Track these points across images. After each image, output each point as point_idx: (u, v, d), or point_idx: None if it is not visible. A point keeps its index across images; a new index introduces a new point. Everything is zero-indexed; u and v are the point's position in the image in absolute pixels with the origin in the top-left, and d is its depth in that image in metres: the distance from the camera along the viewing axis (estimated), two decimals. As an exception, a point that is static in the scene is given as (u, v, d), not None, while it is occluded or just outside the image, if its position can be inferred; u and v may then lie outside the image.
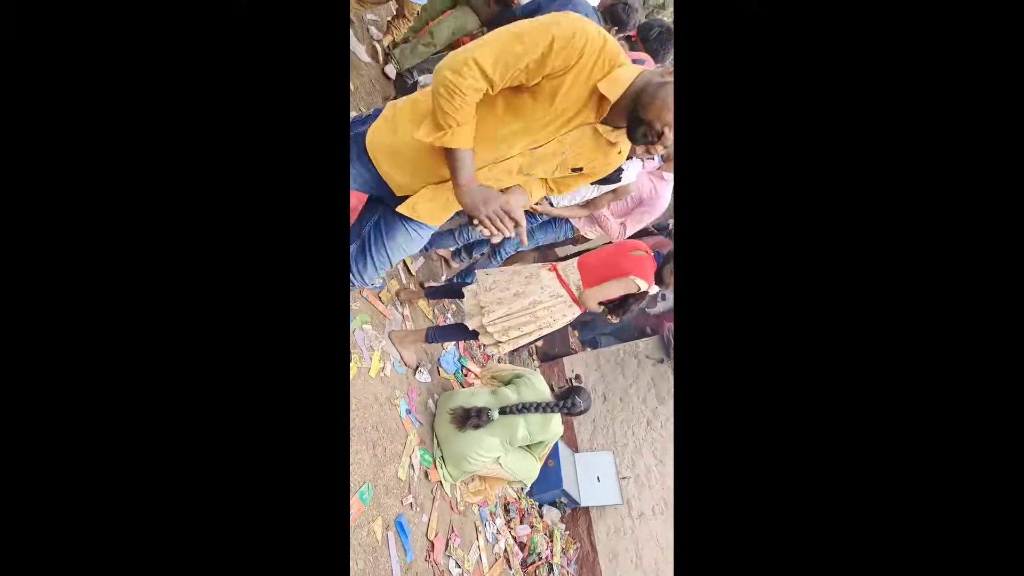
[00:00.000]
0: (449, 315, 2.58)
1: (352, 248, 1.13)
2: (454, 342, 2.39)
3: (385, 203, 1.11)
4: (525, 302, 1.70)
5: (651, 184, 2.03)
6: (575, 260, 1.79)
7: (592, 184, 1.75)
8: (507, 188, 1.06)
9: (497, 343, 1.75)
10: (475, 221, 0.93)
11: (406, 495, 1.73)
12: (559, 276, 1.74)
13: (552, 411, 2.03)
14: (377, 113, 1.01)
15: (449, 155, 0.90)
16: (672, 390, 3.25)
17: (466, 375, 2.50)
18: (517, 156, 0.97)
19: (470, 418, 1.93)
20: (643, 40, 1.82)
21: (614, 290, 1.65)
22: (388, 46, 2.35)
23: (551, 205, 1.95)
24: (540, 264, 1.86)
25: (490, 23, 2.47)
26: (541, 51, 0.82)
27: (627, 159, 1.69)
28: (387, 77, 2.46)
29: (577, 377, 3.27)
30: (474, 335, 1.84)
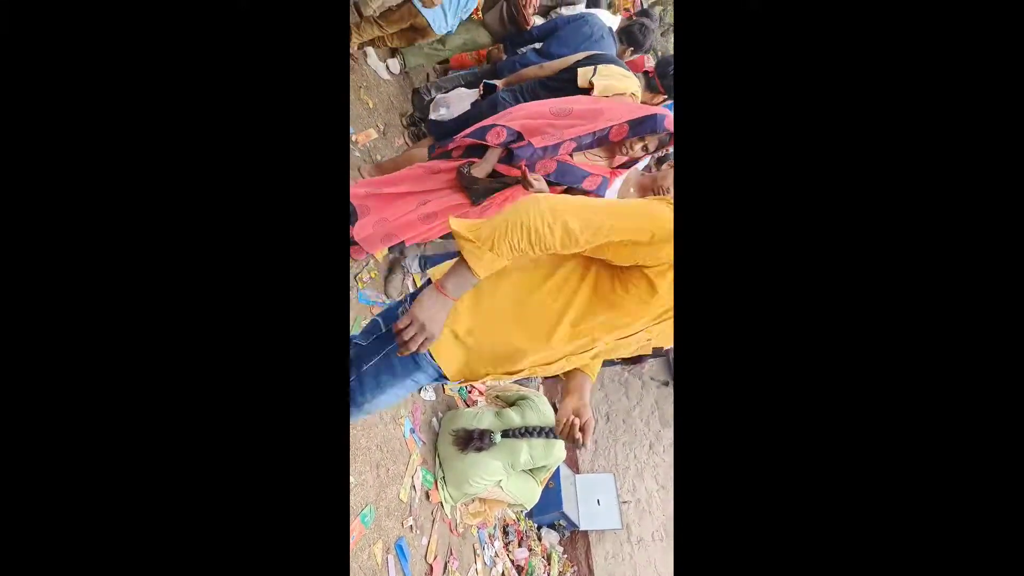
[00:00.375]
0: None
1: (353, 378, 0.93)
2: None
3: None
4: None
5: None
6: None
7: None
8: (570, 372, 0.95)
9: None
10: (403, 318, 0.79)
11: (407, 517, 1.72)
12: None
13: (556, 437, 2.02)
14: (411, 296, 0.88)
15: (460, 264, 0.79)
16: (676, 415, 3.23)
17: (470, 392, 2.50)
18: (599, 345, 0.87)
19: (472, 440, 1.93)
20: (660, 76, 1.84)
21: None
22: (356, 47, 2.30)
23: None
24: None
25: (502, 40, 2.49)
26: (636, 239, 0.75)
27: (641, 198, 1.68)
28: (390, 73, 2.46)
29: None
30: None
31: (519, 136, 1.35)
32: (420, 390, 2.10)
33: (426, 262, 2.11)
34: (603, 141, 1.36)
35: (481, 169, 1.36)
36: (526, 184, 1.35)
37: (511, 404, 2.23)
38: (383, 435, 1.74)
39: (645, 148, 1.36)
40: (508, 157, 1.37)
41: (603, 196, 1.47)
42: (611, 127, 1.33)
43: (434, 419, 2.12)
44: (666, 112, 1.33)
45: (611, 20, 2.50)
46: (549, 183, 1.40)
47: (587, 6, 2.47)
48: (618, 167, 1.43)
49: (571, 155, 1.38)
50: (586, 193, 1.45)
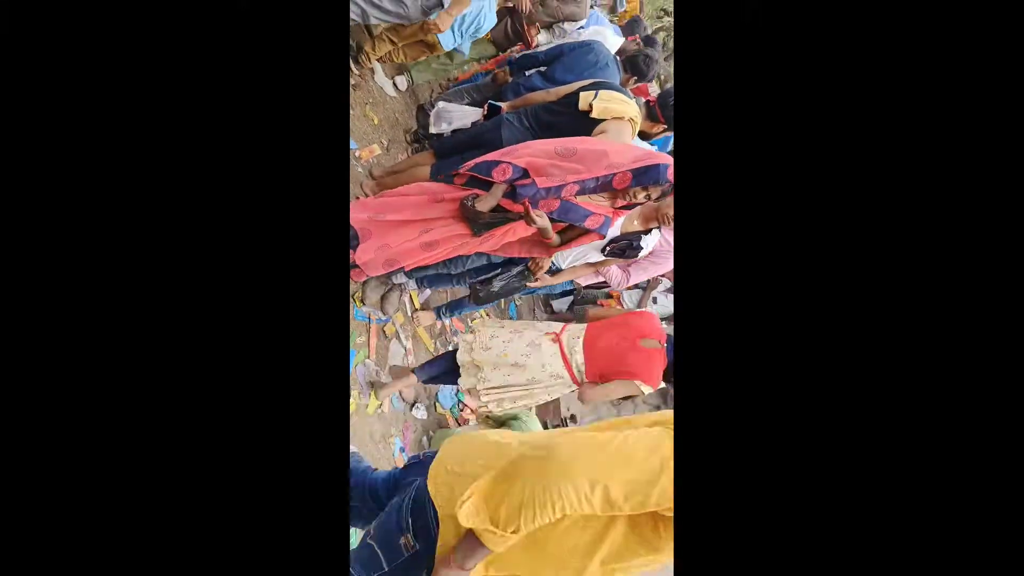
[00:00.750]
0: (451, 348, 2.57)
1: (358, 553, 0.81)
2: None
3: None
4: (523, 378, 1.57)
5: (662, 237, 2.01)
6: (581, 332, 1.61)
7: (607, 258, 1.73)
8: None
9: (488, 407, 1.67)
10: None
11: (392, 538, 1.70)
12: (563, 351, 1.58)
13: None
14: (410, 507, 0.78)
15: (476, 543, 0.68)
16: (667, 439, 3.21)
17: (462, 410, 2.48)
18: None
19: (463, 462, 1.91)
20: (662, 107, 1.87)
21: (616, 392, 1.58)
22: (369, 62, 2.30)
23: (552, 271, 1.82)
24: (544, 326, 1.67)
25: (509, 63, 2.51)
26: None
27: (647, 231, 1.69)
28: (397, 89, 2.48)
29: (572, 417, 3.24)
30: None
31: (525, 173, 1.37)
32: (412, 407, 2.09)
33: (424, 280, 2.10)
34: (606, 187, 1.38)
35: (485, 203, 1.38)
36: (529, 220, 1.37)
37: (501, 424, 2.22)
38: (371, 455, 1.73)
39: (648, 197, 1.39)
40: (512, 193, 1.39)
41: (605, 235, 1.49)
42: (615, 175, 1.35)
43: (424, 438, 2.10)
44: (669, 162, 1.35)
45: (614, 42, 2.54)
46: (552, 220, 1.42)
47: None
48: (620, 207, 1.45)
49: (574, 196, 1.39)
50: (587, 232, 1.48)
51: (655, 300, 3.06)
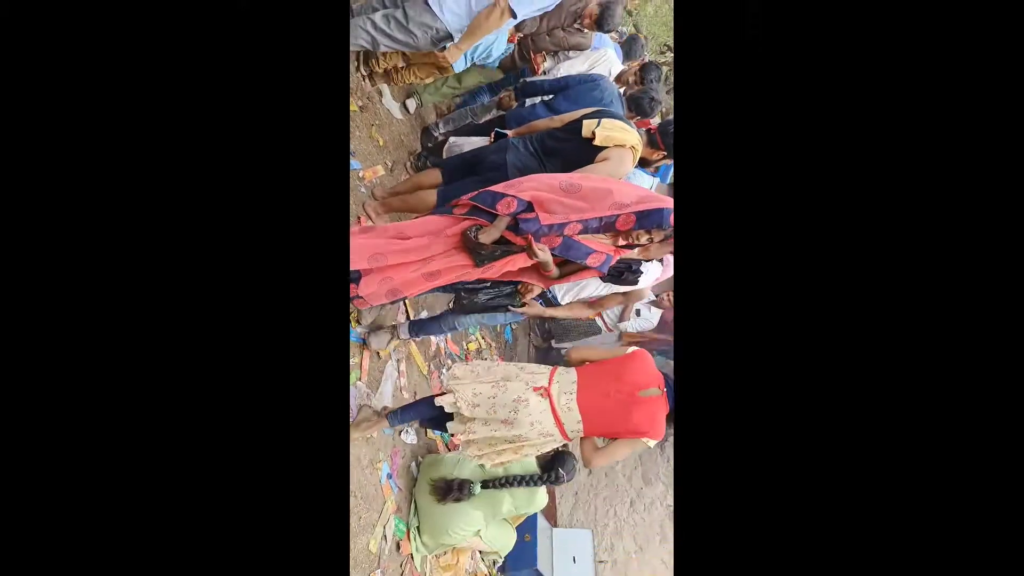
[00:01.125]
0: (444, 370, 2.53)
1: None
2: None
3: None
4: (510, 433, 1.47)
5: None
6: (572, 385, 1.49)
7: (605, 283, 1.72)
8: None
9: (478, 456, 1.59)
10: None
11: (374, 570, 1.64)
12: (553, 408, 1.46)
13: (536, 484, 1.96)
14: None
15: None
16: (660, 474, 3.17)
17: (452, 436, 2.43)
18: None
19: (452, 491, 1.86)
20: (662, 134, 1.89)
21: (623, 453, 1.49)
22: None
23: (548, 302, 1.78)
24: (529, 376, 1.53)
25: (516, 88, 2.55)
26: None
27: (647, 261, 1.69)
28: (405, 112, 2.50)
29: (564, 446, 3.19)
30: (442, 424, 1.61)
31: (529, 206, 1.38)
32: (401, 432, 2.04)
33: (418, 328, 2.05)
34: (609, 227, 1.40)
35: (488, 235, 1.39)
36: (531, 253, 1.38)
37: (493, 451, 2.17)
38: (357, 480, 1.68)
39: (651, 239, 1.40)
40: (514, 226, 1.40)
41: (605, 272, 1.49)
42: (618, 216, 1.37)
43: (413, 464, 2.05)
44: (671, 206, 1.36)
45: (617, 62, 2.58)
46: (553, 255, 1.43)
47: (598, 27, 2.51)
48: (622, 247, 1.46)
49: (577, 234, 1.41)
50: (587, 268, 1.47)
51: (638, 312, 3.03)
